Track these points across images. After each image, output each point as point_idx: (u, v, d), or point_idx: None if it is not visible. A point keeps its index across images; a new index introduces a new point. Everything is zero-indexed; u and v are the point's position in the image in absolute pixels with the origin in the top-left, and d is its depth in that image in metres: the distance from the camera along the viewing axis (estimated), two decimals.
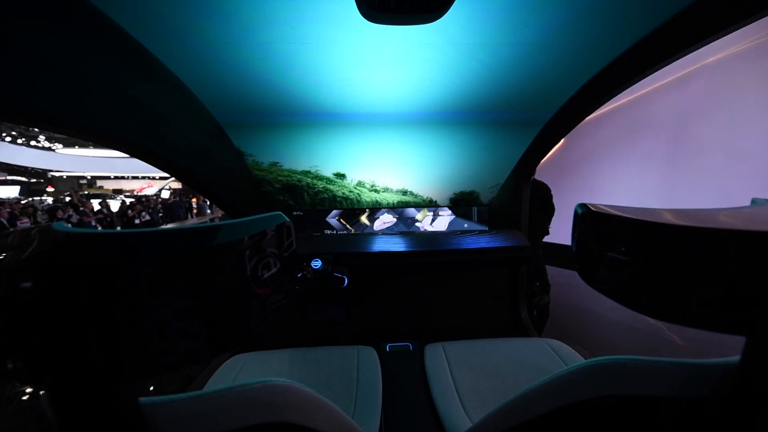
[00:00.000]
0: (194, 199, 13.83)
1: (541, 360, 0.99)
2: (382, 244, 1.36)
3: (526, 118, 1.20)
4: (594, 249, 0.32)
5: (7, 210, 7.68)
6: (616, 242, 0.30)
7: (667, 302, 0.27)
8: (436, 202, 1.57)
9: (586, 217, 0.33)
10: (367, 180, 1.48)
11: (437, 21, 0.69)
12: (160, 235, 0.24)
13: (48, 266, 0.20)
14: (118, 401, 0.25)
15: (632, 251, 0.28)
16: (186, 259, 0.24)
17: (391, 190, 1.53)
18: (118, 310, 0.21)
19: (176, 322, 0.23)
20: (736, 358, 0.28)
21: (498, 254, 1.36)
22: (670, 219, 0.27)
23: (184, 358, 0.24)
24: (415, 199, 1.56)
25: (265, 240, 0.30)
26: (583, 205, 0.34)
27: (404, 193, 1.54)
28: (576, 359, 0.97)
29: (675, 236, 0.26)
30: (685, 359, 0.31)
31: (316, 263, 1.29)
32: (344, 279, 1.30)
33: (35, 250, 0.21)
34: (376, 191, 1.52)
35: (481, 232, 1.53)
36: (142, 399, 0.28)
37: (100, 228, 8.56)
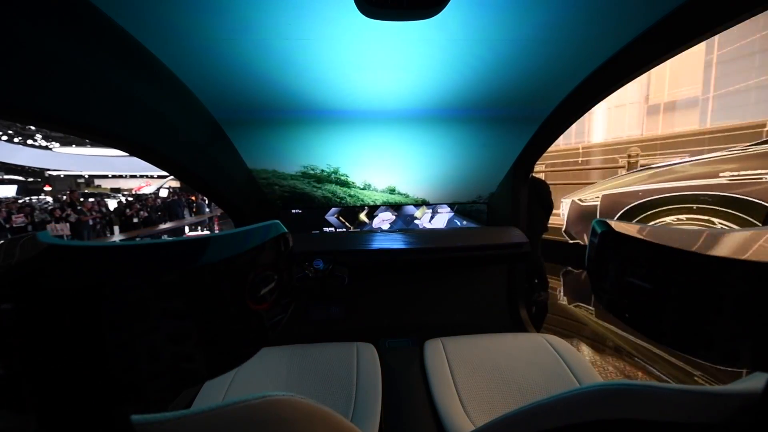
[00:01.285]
0: (193, 198, 13.81)
1: (539, 356, 0.99)
2: (381, 242, 1.36)
3: (525, 114, 1.19)
4: (612, 272, 0.30)
5: (5, 209, 7.65)
6: (640, 268, 0.28)
7: (692, 336, 0.25)
8: (427, 201, 1.56)
9: (607, 237, 0.30)
10: (365, 178, 1.48)
11: (435, 17, 0.69)
12: (149, 250, 0.23)
13: (29, 282, 0.19)
14: (108, 420, 0.24)
15: (658, 280, 0.27)
16: (178, 277, 0.23)
17: (389, 189, 1.52)
18: (105, 333, 0.20)
19: (168, 344, 0.22)
20: (756, 385, 0.28)
21: (496, 251, 1.36)
22: (703, 247, 0.25)
23: (178, 381, 0.23)
24: (405, 199, 1.55)
25: (262, 254, 0.28)
26: (603, 223, 0.31)
27: (392, 191, 1.53)
28: (574, 355, 0.98)
29: (708, 269, 0.24)
30: (702, 387, 0.30)
31: (318, 263, 1.29)
32: (345, 278, 1.30)
33: (16, 262, 0.20)
34: (367, 189, 1.52)
35: (479, 229, 1.53)
36: (134, 417, 0.27)
37: (96, 226, 8.52)
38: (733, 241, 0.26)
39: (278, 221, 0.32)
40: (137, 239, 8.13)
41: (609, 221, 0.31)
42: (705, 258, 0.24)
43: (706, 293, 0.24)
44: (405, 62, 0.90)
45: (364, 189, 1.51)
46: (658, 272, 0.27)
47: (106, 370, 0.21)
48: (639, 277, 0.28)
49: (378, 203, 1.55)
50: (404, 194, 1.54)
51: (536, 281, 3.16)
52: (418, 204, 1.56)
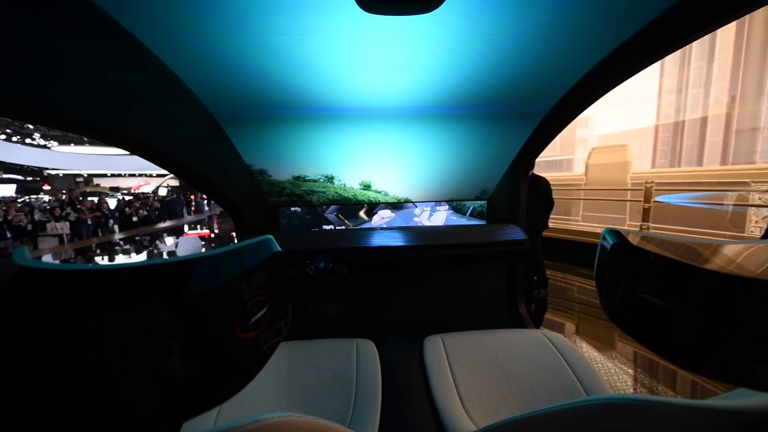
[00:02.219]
0: (192, 196, 13.80)
1: (538, 352, 0.99)
2: (380, 239, 1.36)
3: (526, 111, 1.19)
4: (623, 285, 0.29)
5: (3, 209, 7.64)
6: (653, 284, 0.27)
7: (705, 356, 0.24)
8: (410, 199, 1.55)
9: (619, 249, 0.29)
10: (364, 176, 1.47)
11: (435, 11, 0.68)
12: (132, 275, 0.21)
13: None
14: None
15: (671, 297, 0.25)
16: (163, 311, 0.21)
17: (364, 185, 1.52)
18: (81, 373, 0.19)
19: (151, 382, 0.21)
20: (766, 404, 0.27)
21: (496, 248, 1.36)
22: (719, 263, 0.24)
23: (163, 420, 0.22)
24: (385, 197, 1.54)
25: (254, 278, 0.27)
26: (614, 233, 0.30)
27: (366, 186, 1.51)
28: (572, 351, 0.98)
29: (725, 287, 0.23)
30: (713, 403, 0.28)
31: (318, 261, 1.29)
32: (345, 276, 1.30)
33: None
34: (362, 188, 1.51)
35: (479, 226, 1.52)
36: None
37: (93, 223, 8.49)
38: (752, 257, 0.25)
39: (270, 237, 0.31)
40: (136, 238, 8.13)
41: (621, 231, 0.30)
42: (721, 276, 0.24)
43: (723, 312, 0.23)
44: (405, 58, 0.89)
45: (363, 189, 1.51)
46: (672, 289, 0.26)
47: (83, 408, 0.19)
48: (651, 293, 0.27)
49: (371, 201, 1.54)
50: (383, 192, 1.53)
51: (535, 278, 3.16)
52: (399, 202, 1.55)
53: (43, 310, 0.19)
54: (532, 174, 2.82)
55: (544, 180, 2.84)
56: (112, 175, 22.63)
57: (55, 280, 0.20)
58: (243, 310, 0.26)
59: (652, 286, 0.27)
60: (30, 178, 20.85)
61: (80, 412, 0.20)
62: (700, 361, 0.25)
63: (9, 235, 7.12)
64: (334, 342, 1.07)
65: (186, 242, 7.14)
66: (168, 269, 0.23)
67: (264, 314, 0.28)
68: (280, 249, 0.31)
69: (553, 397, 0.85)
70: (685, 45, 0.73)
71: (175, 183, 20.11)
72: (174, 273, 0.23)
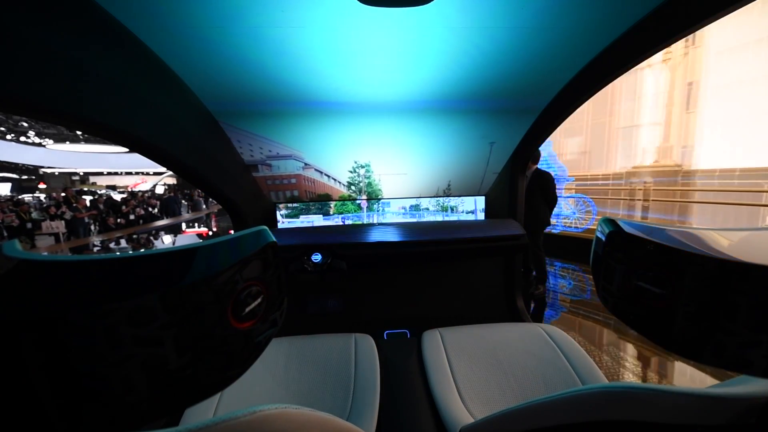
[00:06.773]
0: (191, 193, 13.74)
1: (535, 345, 1.00)
2: (379, 235, 1.36)
3: (524, 105, 1.18)
4: (620, 274, 0.29)
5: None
6: (649, 272, 0.27)
7: (703, 343, 0.25)
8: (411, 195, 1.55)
9: (615, 238, 0.29)
10: (360, 172, 1.47)
11: (433, 3, 0.68)
12: (127, 265, 0.21)
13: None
14: None
15: (668, 284, 0.26)
16: (157, 300, 0.21)
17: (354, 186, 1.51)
18: (72, 366, 0.19)
19: (144, 373, 0.21)
20: (760, 388, 0.27)
21: (494, 243, 1.36)
22: (718, 251, 0.24)
23: (157, 411, 0.22)
24: (383, 194, 1.54)
25: (247, 268, 0.26)
26: (611, 222, 0.30)
27: (369, 185, 1.52)
28: (569, 344, 0.98)
29: (724, 274, 0.23)
30: (706, 390, 0.29)
31: (316, 257, 1.29)
32: (343, 271, 1.30)
33: None
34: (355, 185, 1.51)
35: (477, 221, 1.53)
36: None
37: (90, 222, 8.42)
38: (749, 244, 0.25)
39: (265, 227, 0.31)
40: (133, 236, 8.08)
41: (618, 221, 0.30)
42: (717, 262, 0.24)
43: (720, 299, 0.24)
44: (402, 51, 0.88)
45: (360, 185, 1.50)
46: (669, 276, 0.26)
47: (73, 408, 0.19)
48: (648, 281, 0.27)
49: (370, 198, 1.54)
50: (381, 188, 1.53)
51: (534, 274, 3.17)
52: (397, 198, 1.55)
53: (37, 302, 0.18)
54: (536, 169, 2.81)
55: (547, 175, 2.83)
56: (108, 174, 22.45)
57: (48, 271, 0.20)
58: (236, 301, 0.26)
59: (647, 274, 0.27)
60: (25, 177, 20.66)
61: (75, 403, 0.19)
62: (696, 348, 0.25)
63: (5, 234, 7.07)
64: (332, 337, 1.07)
65: (183, 241, 7.12)
66: (159, 259, 0.23)
67: (258, 305, 0.28)
68: (274, 239, 0.30)
69: (550, 388, 0.86)
70: (683, 36, 0.72)
71: (172, 181, 20.00)
72: (166, 263, 0.23)
